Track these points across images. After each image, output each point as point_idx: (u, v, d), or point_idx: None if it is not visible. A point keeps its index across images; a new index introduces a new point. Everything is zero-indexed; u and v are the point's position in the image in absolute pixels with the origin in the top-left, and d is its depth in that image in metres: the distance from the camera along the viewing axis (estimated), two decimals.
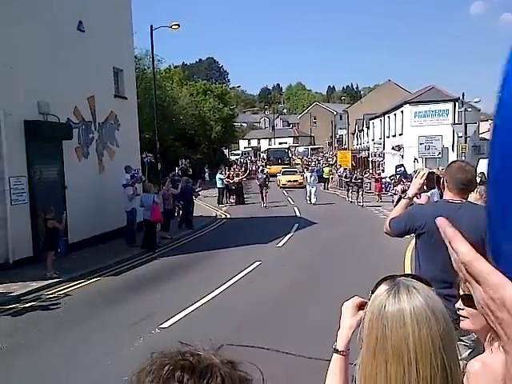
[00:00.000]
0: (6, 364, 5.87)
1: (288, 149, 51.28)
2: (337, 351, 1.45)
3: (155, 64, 23.44)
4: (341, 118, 65.90)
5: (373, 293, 1.20)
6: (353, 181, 23.78)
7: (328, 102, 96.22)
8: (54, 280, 9.64)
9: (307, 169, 32.24)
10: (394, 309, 1.11)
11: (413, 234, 3.58)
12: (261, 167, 38.72)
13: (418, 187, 3.37)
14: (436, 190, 6.17)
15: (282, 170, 36.40)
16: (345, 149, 47.37)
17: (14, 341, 6.66)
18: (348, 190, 24.40)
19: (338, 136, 65.69)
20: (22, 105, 11.04)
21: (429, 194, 5.90)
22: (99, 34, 13.96)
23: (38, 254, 10.68)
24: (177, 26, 21.27)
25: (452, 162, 3.99)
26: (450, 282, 2.42)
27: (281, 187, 32.62)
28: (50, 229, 10.04)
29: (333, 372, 1.46)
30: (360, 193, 22.91)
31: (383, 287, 1.17)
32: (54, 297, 8.85)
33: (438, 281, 2.47)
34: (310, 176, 24.44)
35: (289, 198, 26.06)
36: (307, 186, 24.07)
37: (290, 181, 33.25)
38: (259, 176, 24.71)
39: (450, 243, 0.67)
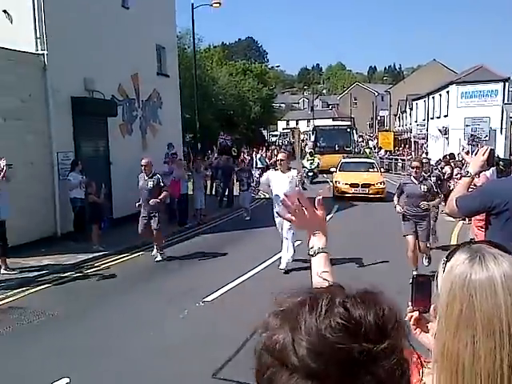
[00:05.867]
0: (54, 329, 6.09)
1: (351, 127, 32.85)
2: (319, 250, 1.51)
3: (195, 43, 23.42)
4: (382, 99, 64.28)
5: (447, 261, 1.08)
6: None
7: (369, 83, 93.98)
8: (100, 253, 9.92)
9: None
10: (482, 277, 0.99)
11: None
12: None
13: (481, 164, 3.16)
14: (494, 168, 5.95)
15: (343, 161, 20.04)
16: (386, 130, 46.21)
17: (63, 309, 6.90)
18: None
19: (379, 117, 64.21)
20: (69, 82, 11.25)
21: (487, 173, 5.67)
22: (143, 10, 14.02)
23: (84, 228, 10.97)
24: (218, 4, 21.14)
25: None
26: None
27: (337, 196, 17.32)
28: (91, 203, 10.34)
29: (322, 266, 1.52)
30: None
31: (462, 255, 1.05)
32: (100, 269, 9.10)
33: None
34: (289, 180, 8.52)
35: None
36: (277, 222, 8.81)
37: (356, 185, 17.02)
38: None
39: None
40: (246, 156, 22.58)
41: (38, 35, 10.57)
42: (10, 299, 7.35)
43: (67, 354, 5.29)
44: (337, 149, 27.79)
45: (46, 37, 10.60)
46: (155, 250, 9.69)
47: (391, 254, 8.73)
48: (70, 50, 11.02)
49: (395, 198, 7.97)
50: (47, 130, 10.80)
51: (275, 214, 8.60)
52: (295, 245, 8.56)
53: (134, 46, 13.48)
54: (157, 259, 9.55)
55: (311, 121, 65.54)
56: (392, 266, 8.14)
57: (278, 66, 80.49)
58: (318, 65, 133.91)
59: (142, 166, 9.55)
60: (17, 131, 9.97)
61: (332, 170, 19.73)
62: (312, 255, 1.54)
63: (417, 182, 7.60)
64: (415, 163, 7.94)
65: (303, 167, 24.57)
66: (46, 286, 8.06)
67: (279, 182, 8.52)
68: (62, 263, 9.20)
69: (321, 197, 1.57)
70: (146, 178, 9.50)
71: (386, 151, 33.34)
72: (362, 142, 51.08)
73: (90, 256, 9.72)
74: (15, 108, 9.97)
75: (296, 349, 0.64)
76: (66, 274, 8.64)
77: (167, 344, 5.51)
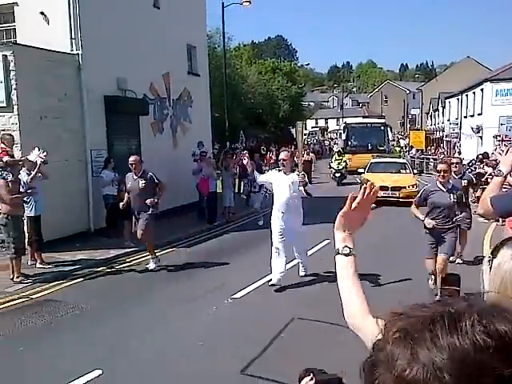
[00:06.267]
0: (87, 322, 6.27)
1: (385, 125, 30.17)
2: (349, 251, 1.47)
3: (225, 42, 23.54)
4: (414, 97, 63.18)
5: (493, 258, 1.09)
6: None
7: (400, 81, 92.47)
8: (132, 249, 10.11)
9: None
10: None
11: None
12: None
13: None
14: None
15: (372, 161, 19.09)
16: (418, 129, 45.39)
17: (96, 302, 7.09)
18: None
19: (410, 116, 63.14)
20: (103, 81, 11.51)
21: None
22: (174, 10, 14.20)
23: (116, 224, 11.19)
24: (248, 3, 21.21)
25: None
26: None
27: None
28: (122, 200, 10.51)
29: (350, 271, 1.49)
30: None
31: (508, 251, 1.06)
32: (132, 264, 9.29)
33: None
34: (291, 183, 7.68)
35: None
36: (275, 226, 7.89)
37: (385, 187, 15.40)
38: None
39: None
40: (271, 155, 22.57)
41: (73, 36, 10.85)
42: (46, 292, 7.61)
43: (100, 347, 5.44)
44: (369, 148, 26.28)
45: (81, 37, 10.88)
46: (151, 261, 8.73)
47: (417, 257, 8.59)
48: (103, 50, 11.28)
49: (413, 208, 6.80)
50: (81, 129, 11.08)
51: (277, 222, 7.79)
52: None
53: (165, 46, 13.68)
54: (148, 266, 8.69)
55: (341, 119, 64.98)
56: (417, 272, 8.01)
57: (307, 64, 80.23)
58: (348, 63, 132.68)
59: (130, 164, 8.59)
60: (53, 129, 10.26)
61: (360, 170, 18.57)
62: (346, 255, 1.49)
63: (444, 190, 6.48)
64: (442, 166, 6.78)
65: (330, 168, 23.85)
66: (80, 280, 8.30)
67: (280, 185, 7.72)
68: (95, 258, 9.45)
69: (377, 186, 1.51)
70: (136, 177, 8.52)
71: (418, 150, 32.81)
72: (393, 140, 50.31)
73: (122, 252, 9.93)
74: (52, 107, 10.27)
75: (440, 376, 0.56)
76: (99, 269, 8.87)
77: (196, 340, 5.60)
